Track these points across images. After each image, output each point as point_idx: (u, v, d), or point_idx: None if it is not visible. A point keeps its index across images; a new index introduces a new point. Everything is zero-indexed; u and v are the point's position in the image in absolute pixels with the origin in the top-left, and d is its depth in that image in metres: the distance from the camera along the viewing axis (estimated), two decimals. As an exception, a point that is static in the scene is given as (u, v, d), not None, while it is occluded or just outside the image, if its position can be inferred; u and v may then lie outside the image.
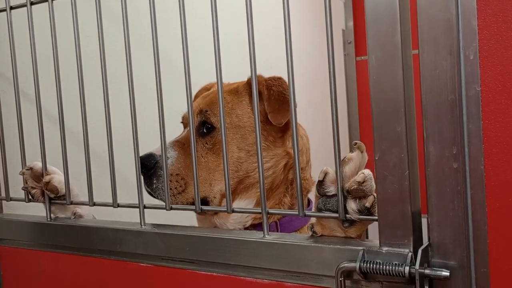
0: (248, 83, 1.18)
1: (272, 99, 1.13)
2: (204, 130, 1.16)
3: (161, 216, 1.05)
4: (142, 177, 0.96)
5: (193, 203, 1.10)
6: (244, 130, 1.15)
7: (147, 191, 1.12)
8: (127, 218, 1.03)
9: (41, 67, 1.08)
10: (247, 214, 1.15)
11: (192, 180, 1.11)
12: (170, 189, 1.09)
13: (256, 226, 1.15)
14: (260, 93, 1.16)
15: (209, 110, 1.15)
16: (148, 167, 1.08)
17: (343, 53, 3.42)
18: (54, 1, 1.02)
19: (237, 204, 1.16)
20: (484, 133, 0.63)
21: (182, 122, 1.31)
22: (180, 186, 1.11)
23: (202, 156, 1.14)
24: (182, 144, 1.15)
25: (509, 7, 0.60)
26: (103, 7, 0.97)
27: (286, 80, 0.81)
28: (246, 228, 1.15)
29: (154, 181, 1.09)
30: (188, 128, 1.17)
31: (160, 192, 1.10)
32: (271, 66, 2.12)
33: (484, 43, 0.62)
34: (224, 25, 1.97)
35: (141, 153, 0.97)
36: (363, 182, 0.72)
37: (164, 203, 0.95)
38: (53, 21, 1.02)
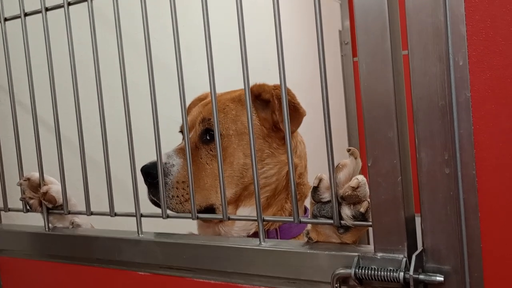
0: (252, 90, 1.19)
1: (285, 106, 1.13)
2: (208, 137, 1.16)
3: (167, 224, 1.05)
4: (138, 186, 0.95)
5: (201, 211, 1.11)
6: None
7: (153, 200, 1.11)
8: (126, 226, 1.04)
9: (36, 75, 1.08)
10: (251, 222, 1.15)
11: (199, 187, 1.11)
12: (177, 196, 1.09)
13: (267, 233, 1.15)
14: (267, 102, 1.17)
15: (212, 117, 1.15)
16: (154, 175, 1.07)
17: (340, 54, 3.42)
18: (48, 11, 1.02)
19: (241, 211, 1.16)
20: (475, 138, 0.63)
21: (180, 131, 1.31)
22: (187, 194, 1.10)
23: (207, 163, 1.14)
24: (184, 151, 1.15)
25: (497, 13, 0.60)
26: (96, 14, 0.98)
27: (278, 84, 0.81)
28: (250, 236, 1.16)
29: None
30: (191, 136, 1.18)
31: (167, 200, 1.09)
32: (269, 69, 2.12)
33: (473, 48, 0.62)
34: (219, 31, 1.97)
35: (139, 161, 0.97)
36: (357, 187, 0.72)
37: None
38: (47, 30, 1.02)
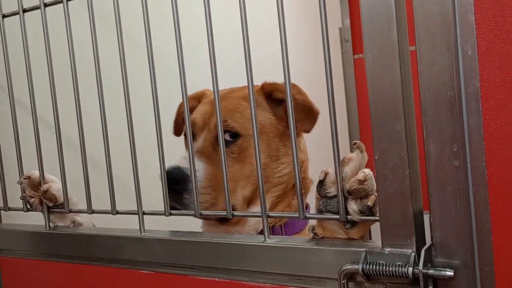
0: (263, 88, 1.18)
1: (299, 108, 1.13)
2: (228, 138, 1.12)
3: (168, 223, 1.03)
4: (140, 183, 0.94)
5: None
6: (268, 136, 1.14)
7: (174, 208, 1.05)
8: (128, 225, 1.02)
9: (36, 74, 1.07)
10: (260, 220, 1.14)
11: (222, 190, 1.09)
12: (205, 201, 1.06)
13: (272, 229, 1.15)
14: (279, 100, 1.17)
15: (228, 118, 1.12)
16: (179, 181, 1.02)
17: (341, 51, 3.40)
18: (47, 8, 1.01)
19: (251, 209, 1.15)
20: (484, 129, 0.62)
21: (175, 132, 1.29)
22: (213, 198, 1.07)
23: (229, 166, 1.11)
24: (204, 154, 1.11)
25: (506, 0, 0.59)
26: (96, 12, 0.96)
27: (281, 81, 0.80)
28: (259, 233, 1.14)
29: (186, 196, 1.03)
30: (204, 137, 1.14)
31: (192, 207, 1.03)
32: (269, 68, 2.11)
33: (482, 38, 0.61)
34: (219, 28, 1.96)
35: (140, 159, 0.96)
36: (364, 180, 0.71)
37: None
38: (46, 28, 1.01)
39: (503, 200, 0.62)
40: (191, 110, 1.24)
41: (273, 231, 1.14)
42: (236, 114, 1.13)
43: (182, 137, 1.39)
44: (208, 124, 1.16)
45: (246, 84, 0.81)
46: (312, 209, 0.87)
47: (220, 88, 1.21)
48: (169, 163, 1.05)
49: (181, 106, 1.33)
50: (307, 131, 1.15)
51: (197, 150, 1.13)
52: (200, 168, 1.08)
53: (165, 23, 1.55)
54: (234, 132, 1.12)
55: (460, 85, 0.62)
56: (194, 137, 1.19)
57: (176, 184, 1.03)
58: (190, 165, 0.88)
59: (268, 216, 0.82)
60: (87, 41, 0.98)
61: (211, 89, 0.86)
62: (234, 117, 1.13)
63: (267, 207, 1.14)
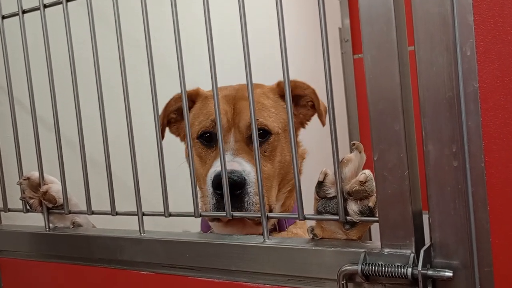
0: (279, 86, 1.19)
1: (321, 103, 1.18)
2: (259, 138, 1.08)
3: (168, 224, 1.03)
4: (139, 184, 0.93)
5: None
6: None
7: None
8: (128, 225, 1.02)
9: (35, 75, 1.07)
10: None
11: (269, 191, 1.10)
12: (258, 204, 1.03)
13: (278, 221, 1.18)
14: (300, 97, 1.21)
15: (258, 117, 1.12)
16: (241, 185, 1.01)
17: (340, 52, 3.40)
18: (46, 9, 1.01)
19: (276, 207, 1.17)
20: (483, 130, 0.62)
21: (208, 132, 1.18)
22: (267, 198, 1.09)
23: (263, 165, 1.11)
24: (244, 156, 1.08)
25: (505, 1, 0.59)
26: (96, 13, 0.96)
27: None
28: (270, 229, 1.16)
29: (246, 199, 1.02)
30: (235, 138, 1.11)
31: (249, 208, 1.02)
32: (269, 67, 2.11)
33: (481, 38, 0.61)
34: (221, 28, 1.96)
35: (140, 160, 0.95)
36: (365, 182, 0.71)
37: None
38: (45, 29, 1.01)
39: (502, 201, 0.62)
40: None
41: (278, 221, 1.17)
42: (263, 113, 1.13)
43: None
44: (237, 123, 1.12)
45: (250, 82, 0.81)
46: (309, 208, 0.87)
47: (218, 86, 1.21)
48: (217, 168, 1.03)
49: (167, 106, 1.29)
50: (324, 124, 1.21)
51: (236, 150, 1.09)
52: (251, 170, 1.04)
53: (165, 23, 1.55)
54: (266, 130, 1.12)
55: (459, 86, 0.62)
56: (211, 136, 1.16)
57: (237, 189, 1.01)
58: (190, 166, 0.87)
59: (268, 217, 0.82)
60: (86, 41, 0.98)
61: (210, 88, 0.86)
62: (262, 116, 1.13)
63: (282, 201, 1.18)
